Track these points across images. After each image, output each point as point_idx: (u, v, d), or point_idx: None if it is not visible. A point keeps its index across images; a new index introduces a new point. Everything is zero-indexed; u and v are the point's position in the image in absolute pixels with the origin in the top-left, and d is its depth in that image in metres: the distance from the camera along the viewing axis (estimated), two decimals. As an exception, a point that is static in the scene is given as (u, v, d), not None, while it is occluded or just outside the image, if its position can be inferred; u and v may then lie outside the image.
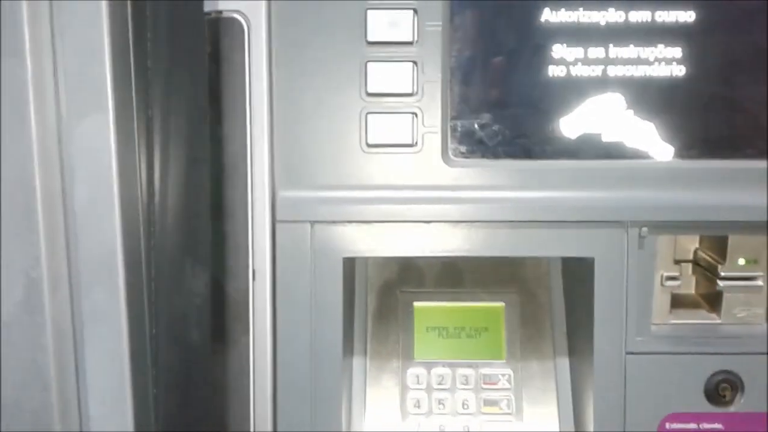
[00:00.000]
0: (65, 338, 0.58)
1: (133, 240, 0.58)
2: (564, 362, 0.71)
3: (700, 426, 0.65)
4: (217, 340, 0.62)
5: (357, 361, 0.71)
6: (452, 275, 0.73)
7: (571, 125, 0.63)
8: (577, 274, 0.67)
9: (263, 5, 0.59)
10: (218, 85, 0.60)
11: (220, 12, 0.59)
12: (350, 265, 0.69)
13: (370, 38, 0.61)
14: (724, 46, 0.62)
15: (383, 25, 0.60)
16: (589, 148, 0.63)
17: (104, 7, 0.54)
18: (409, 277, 0.74)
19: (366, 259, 0.72)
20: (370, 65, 0.61)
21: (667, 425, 0.65)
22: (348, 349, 0.69)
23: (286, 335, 0.63)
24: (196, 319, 0.61)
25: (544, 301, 0.73)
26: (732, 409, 0.65)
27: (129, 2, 0.55)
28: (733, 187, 0.62)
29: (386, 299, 0.73)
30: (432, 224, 0.63)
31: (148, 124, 0.56)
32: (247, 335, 0.62)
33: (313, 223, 0.62)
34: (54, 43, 0.54)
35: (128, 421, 0.59)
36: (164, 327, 0.59)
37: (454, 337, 0.72)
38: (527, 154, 0.63)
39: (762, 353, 0.65)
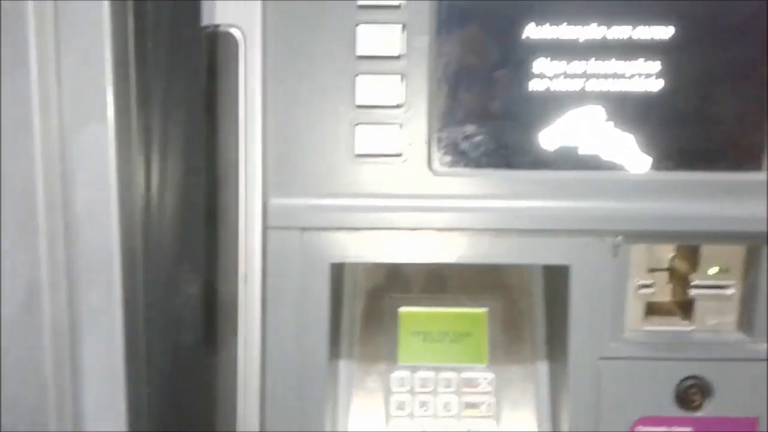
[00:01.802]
0: (62, 338, 0.63)
1: (130, 244, 0.62)
2: (543, 366, 0.76)
3: (671, 429, 0.70)
4: (208, 342, 0.67)
5: (344, 364, 0.76)
6: (438, 281, 0.79)
7: (550, 137, 0.68)
8: (556, 281, 0.73)
9: (259, 20, 0.64)
10: (214, 95, 0.64)
11: (217, 26, 0.64)
12: (339, 270, 0.74)
13: (360, 52, 0.66)
14: (700, 61, 0.67)
15: (372, 39, 0.66)
16: (567, 160, 0.68)
17: (106, 21, 0.59)
18: (396, 283, 0.79)
19: (356, 264, 0.77)
20: (359, 78, 0.66)
21: (639, 428, 0.70)
22: (335, 352, 0.75)
23: (275, 338, 0.68)
24: (189, 321, 0.65)
25: (526, 308, 0.78)
26: (701, 413, 0.71)
27: (130, 16, 0.60)
28: (705, 198, 0.68)
29: (374, 304, 0.78)
30: (417, 232, 0.68)
31: (147, 132, 0.61)
32: (236, 337, 0.67)
33: (302, 229, 0.67)
34: (58, 54, 0.59)
35: (122, 419, 0.64)
36: (158, 328, 0.64)
37: (437, 341, 0.77)
38: (509, 164, 0.68)
39: (731, 359, 0.70)
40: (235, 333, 0.67)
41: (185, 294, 0.65)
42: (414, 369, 0.76)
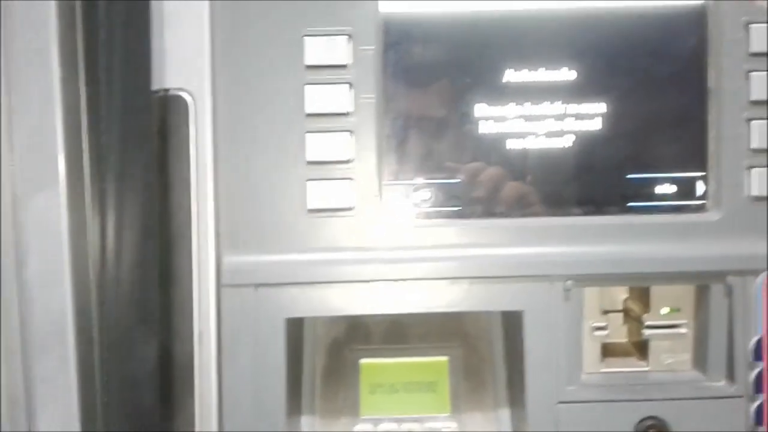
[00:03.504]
0: (17, 405, 0.63)
1: (85, 308, 0.64)
2: (505, 413, 0.78)
3: (631, 470, 0.72)
4: (165, 404, 0.67)
5: (306, 420, 0.77)
6: (397, 331, 0.80)
7: (498, 185, 0.71)
8: (513, 327, 0.75)
9: (208, 83, 0.67)
10: (166, 157, 0.67)
11: (167, 90, 0.66)
12: (298, 325, 0.76)
13: (309, 110, 0.69)
14: (639, 103, 0.71)
15: (320, 98, 0.69)
16: (516, 207, 0.71)
17: (57, 87, 0.62)
18: (356, 335, 0.80)
19: (314, 318, 0.79)
20: (308, 135, 0.69)
21: (599, 470, 0.72)
22: (296, 407, 0.76)
23: (231, 397, 0.69)
24: (147, 384, 0.66)
25: (487, 354, 0.80)
26: (659, 453, 0.73)
27: (82, 83, 0.63)
28: (653, 240, 0.71)
29: (334, 357, 0.80)
30: (372, 283, 0.71)
31: (101, 197, 0.63)
32: (192, 398, 0.68)
33: (256, 286, 0.69)
34: (10, 122, 0.62)
35: (78, 488, 0.64)
36: (114, 392, 0.65)
37: (399, 392, 0.79)
38: (459, 214, 0.71)
39: (688, 398, 0.72)
40: (191, 395, 0.68)
41: (141, 356, 0.66)
42: (377, 422, 0.78)
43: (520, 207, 0.71)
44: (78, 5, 0.61)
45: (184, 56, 0.67)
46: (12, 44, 0.60)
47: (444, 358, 0.80)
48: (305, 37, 0.68)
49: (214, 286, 0.68)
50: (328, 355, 0.80)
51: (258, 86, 0.69)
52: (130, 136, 0.64)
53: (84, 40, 0.62)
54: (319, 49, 0.68)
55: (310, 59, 0.68)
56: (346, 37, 0.69)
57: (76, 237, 0.63)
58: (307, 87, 0.69)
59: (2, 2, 0.59)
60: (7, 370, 0.62)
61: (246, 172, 0.69)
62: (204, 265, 0.67)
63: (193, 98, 0.67)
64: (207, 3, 0.67)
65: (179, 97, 0.67)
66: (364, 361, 0.79)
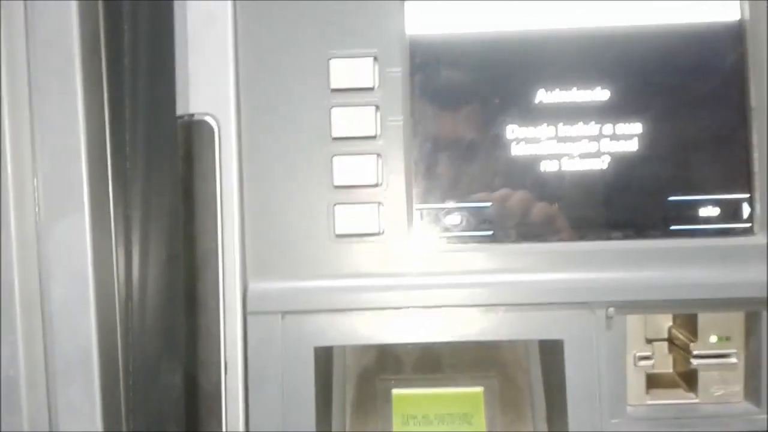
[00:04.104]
0: (42, 434, 0.62)
1: (110, 337, 0.63)
2: (544, 447, 0.74)
3: None
4: (191, 434, 0.66)
5: (336, 453, 0.75)
6: (430, 360, 0.78)
7: (533, 209, 0.68)
8: (552, 356, 0.72)
9: (233, 107, 0.66)
10: (191, 182, 0.66)
11: (192, 115, 0.66)
12: (326, 354, 0.74)
13: (335, 134, 0.68)
14: (679, 124, 0.68)
15: (347, 121, 0.67)
16: (552, 231, 0.68)
17: (81, 113, 0.61)
18: (387, 364, 0.78)
19: (344, 347, 0.76)
20: (335, 159, 0.68)
21: None
22: (326, 439, 0.73)
23: (259, 428, 0.67)
24: (172, 413, 0.65)
25: (524, 385, 0.77)
26: (713, 491, 0.68)
27: (106, 108, 0.62)
28: (698, 265, 0.68)
29: (365, 387, 0.77)
30: (402, 310, 0.68)
31: (126, 223, 0.62)
32: (220, 429, 0.66)
33: (284, 313, 0.67)
34: (33, 147, 0.61)
35: None
36: (141, 423, 0.63)
37: (433, 424, 0.76)
38: (493, 238, 0.68)
39: (740, 432, 0.68)
40: (218, 425, 0.66)
41: (167, 386, 0.65)
42: (410, 455, 0.75)
43: (555, 231, 0.68)
44: (102, 29, 0.61)
45: (208, 81, 0.66)
46: (36, 68, 0.59)
47: (479, 389, 0.76)
48: (331, 60, 0.67)
49: (240, 313, 0.66)
50: (358, 385, 0.77)
51: (283, 110, 0.68)
52: (155, 161, 0.63)
53: (108, 65, 0.62)
54: (344, 72, 0.67)
55: (335, 82, 0.67)
56: (372, 59, 0.67)
57: (100, 264, 0.62)
58: (333, 110, 0.67)
59: (25, 24, 0.59)
60: (31, 400, 0.61)
61: (272, 197, 0.68)
62: (230, 292, 0.66)
63: (218, 123, 0.66)
64: (231, 26, 0.66)
65: (204, 122, 0.66)
66: (396, 391, 0.76)
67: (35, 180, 0.61)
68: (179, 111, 0.65)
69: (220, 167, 0.66)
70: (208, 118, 0.66)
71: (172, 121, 0.65)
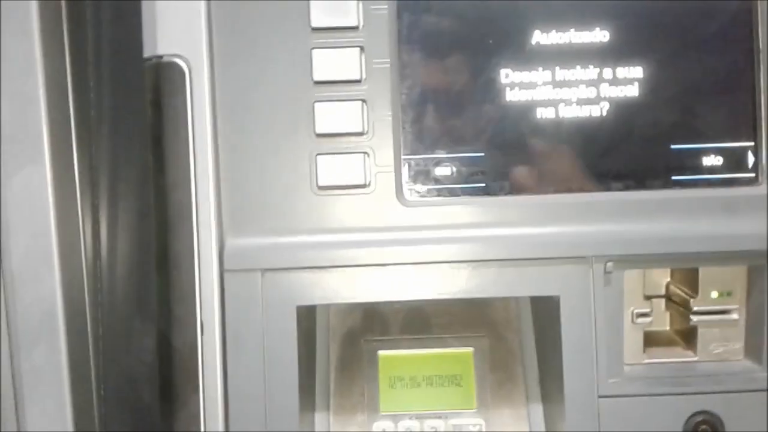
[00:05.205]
0: (6, 400, 0.58)
1: (77, 297, 0.58)
2: (537, 408, 0.71)
3: (680, 471, 0.65)
4: (166, 399, 0.62)
5: (319, 417, 0.72)
6: (418, 321, 0.74)
7: (527, 158, 0.64)
8: (546, 314, 0.69)
9: (205, 49, 0.61)
10: (161, 130, 0.61)
11: (161, 57, 0.61)
12: (309, 314, 0.70)
13: (317, 77, 0.63)
14: (682, 69, 0.65)
15: (329, 63, 0.63)
16: (547, 182, 0.64)
17: (39, 54, 0.56)
18: (373, 325, 0.74)
19: (327, 306, 0.72)
20: (317, 105, 0.63)
21: (645, 472, 0.65)
22: (309, 403, 0.70)
23: (238, 392, 0.63)
24: (146, 377, 0.61)
25: (515, 345, 0.74)
26: (713, 451, 0.65)
27: (66, 48, 0.57)
28: (700, 216, 0.64)
29: (350, 349, 0.74)
30: (389, 267, 0.64)
31: (92, 175, 0.58)
32: (197, 393, 0.62)
33: (263, 271, 0.63)
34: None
35: (72, 489, 0.59)
36: (112, 388, 0.59)
37: (421, 386, 0.72)
38: (485, 190, 0.65)
39: (741, 391, 0.65)
40: (195, 390, 0.62)
41: (139, 348, 0.61)
42: (397, 418, 0.71)
43: (551, 182, 0.64)
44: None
45: (178, 20, 0.61)
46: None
47: (469, 350, 0.73)
48: (311, -4, 0.62)
49: (216, 271, 0.62)
50: (343, 346, 0.73)
51: (260, 51, 0.63)
52: (122, 107, 0.58)
53: (68, 5, 0.56)
54: (326, 10, 0.62)
55: (316, 21, 0.62)
56: (357, -5, 0.63)
57: (64, 218, 0.57)
58: (314, 51, 0.62)
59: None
60: (-8, 364, 0.57)
61: (249, 147, 0.63)
62: (205, 249, 0.62)
63: (189, 65, 0.61)
64: (203, -41, 0.61)
65: (174, 64, 0.61)
66: (382, 353, 0.73)
67: (-8, 129, 0.56)
68: (147, 52, 0.60)
69: (192, 114, 0.61)
70: (178, 60, 0.61)
71: (139, 63, 0.59)
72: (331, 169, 0.63)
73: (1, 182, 0.57)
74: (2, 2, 0.56)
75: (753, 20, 0.65)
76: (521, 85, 0.64)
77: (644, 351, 0.68)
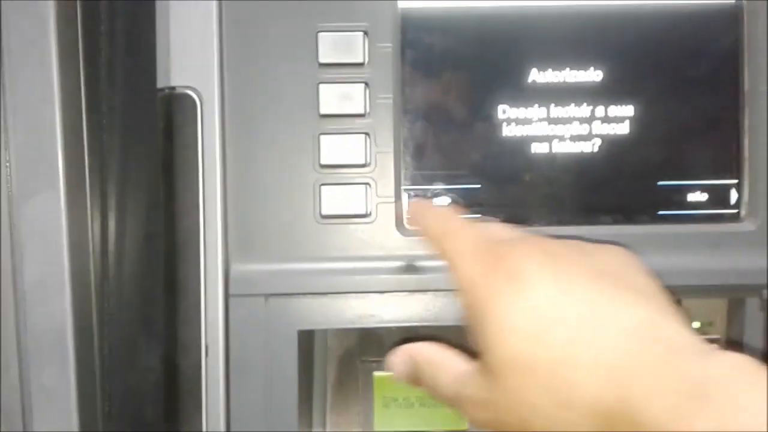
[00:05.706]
0: (14, 419, 0.60)
1: (85, 317, 0.60)
2: (526, 430, 0.73)
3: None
4: (170, 420, 0.64)
5: (316, 435, 0.74)
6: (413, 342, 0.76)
7: (523, 190, 0.67)
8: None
9: (216, 81, 0.64)
10: (171, 159, 0.63)
11: (173, 88, 0.63)
12: (308, 337, 0.72)
13: (323, 111, 0.65)
14: (670, 106, 0.67)
15: (335, 97, 0.65)
16: (540, 214, 0.67)
17: (56, 85, 0.58)
18: (369, 346, 0.76)
19: (325, 329, 0.75)
20: (323, 137, 0.65)
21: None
22: (306, 424, 0.72)
23: (240, 413, 0.65)
24: (151, 396, 0.63)
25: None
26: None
27: (82, 79, 0.59)
28: (682, 250, 0.67)
29: (346, 369, 0.76)
30: (389, 294, 0.66)
31: (103, 200, 0.60)
32: (199, 412, 0.64)
33: (267, 296, 0.65)
34: (5, 120, 0.58)
35: (78, 506, 0.61)
36: (118, 406, 0.61)
37: (415, 406, 0.75)
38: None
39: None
40: (198, 409, 0.65)
41: (145, 369, 0.63)
42: (390, 437, 0.74)
43: (543, 215, 0.67)
44: (78, -2, 0.58)
45: (191, 52, 0.63)
46: (8, 36, 0.56)
47: (461, 372, 0.75)
48: (319, 33, 0.65)
49: (222, 295, 0.64)
50: (340, 366, 0.76)
51: (269, 85, 0.65)
52: (134, 135, 0.60)
53: (84, 33, 0.58)
54: (333, 46, 0.65)
55: (324, 57, 0.65)
56: (362, 33, 0.65)
57: (76, 242, 0.59)
58: (321, 86, 0.65)
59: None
60: (3, 384, 0.59)
61: (256, 176, 0.65)
62: (212, 274, 0.64)
63: (201, 97, 0.63)
64: (216, -5, 0.63)
65: (186, 96, 0.63)
66: (377, 373, 0.75)
67: (8, 154, 0.58)
68: (160, 84, 0.62)
69: (202, 143, 0.63)
70: (190, 92, 0.63)
71: (152, 94, 0.61)
72: (334, 198, 0.66)
73: (15, 206, 0.59)
74: (21, 32, 0.58)
75: (740, 63, 0.68)
76: (517, 121, 0.67)
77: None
